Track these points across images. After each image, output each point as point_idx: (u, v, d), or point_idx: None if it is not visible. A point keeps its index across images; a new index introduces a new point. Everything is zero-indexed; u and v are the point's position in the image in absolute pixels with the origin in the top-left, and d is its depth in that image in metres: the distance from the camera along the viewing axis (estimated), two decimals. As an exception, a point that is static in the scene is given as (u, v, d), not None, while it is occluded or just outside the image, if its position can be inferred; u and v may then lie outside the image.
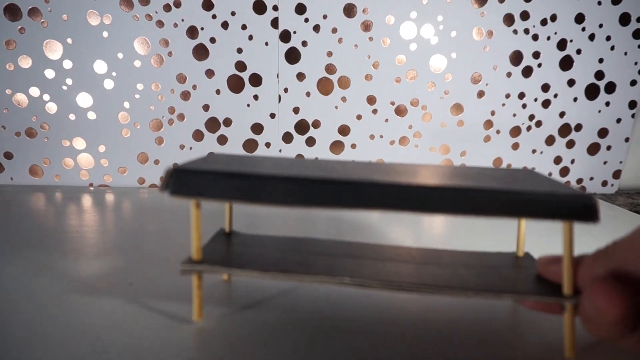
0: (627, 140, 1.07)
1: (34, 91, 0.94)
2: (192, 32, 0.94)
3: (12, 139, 0.96)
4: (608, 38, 1.00)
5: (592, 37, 0.99)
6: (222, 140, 1.00)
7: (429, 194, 0.40)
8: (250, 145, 1.00)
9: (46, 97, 0.94)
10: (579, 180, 1.09)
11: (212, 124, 0.99)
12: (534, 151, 1.05)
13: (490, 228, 0.78)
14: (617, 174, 1.09)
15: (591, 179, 1.09)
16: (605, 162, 1.08)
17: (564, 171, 1.07)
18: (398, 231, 0.76)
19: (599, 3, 0.97)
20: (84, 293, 0.52)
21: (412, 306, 0.51)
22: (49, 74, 0.93)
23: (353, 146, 1.02)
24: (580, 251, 0.68)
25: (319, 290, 0.53)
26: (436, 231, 0.77)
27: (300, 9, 0.94)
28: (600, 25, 0.99)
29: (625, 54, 1.01)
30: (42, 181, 0.99)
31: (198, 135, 0.99)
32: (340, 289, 0.53)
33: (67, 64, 0.93)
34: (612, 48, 1.00)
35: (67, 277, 0.55)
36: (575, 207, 0.40)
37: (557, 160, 1.07)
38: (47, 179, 0.99)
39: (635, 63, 1.01)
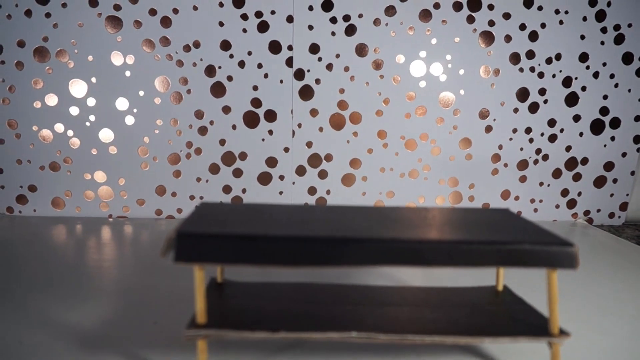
0: (632, 173, 1.09)
1: (59, 127, 0.98)
2: (210, 70, 0.98)
3: (37, 172, 1.00)
4: (612, 76, 1.03)
5: (596, 75, 1.03)
6: (238, 173, 1.03)
7: (429, 249, 0.43)
8: (264, 178, 1.04)
9: (70, 132, 0.98)
10: (586, 212, 1.11)
11: (228, 158, 1.02)
12: (541, 184, 1.08)
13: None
14: (623, 206, 1.11)
15: (598, 210, 1.11)
16: (611, 195, 1.10)
17: (571, 203, 1.10)
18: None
19: (602, 43, 1.01)
20: (95, 349, 0.54)
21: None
22: (74, 111, 0.98)
23: (364, 179, 1.05)
24: (571, 289, 0.69)
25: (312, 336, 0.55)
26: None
27: (314, 49, 0.98)
28: (604, 64, 1.02)
29: (629, 90, 1.04)
30: (64, 213, 1.02)
31: (214, 169, 1.02)
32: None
33: (91, 102, 0.97)
34: (616, 85, 1.03)
35: (79, 325, 0.58)
36: (558, 256, 0.43)
37: (564, 192, 1.09)
38: (69, 211, 1.02)
39: (639, 99, 1.04)
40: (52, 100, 0.97)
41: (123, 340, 0.52)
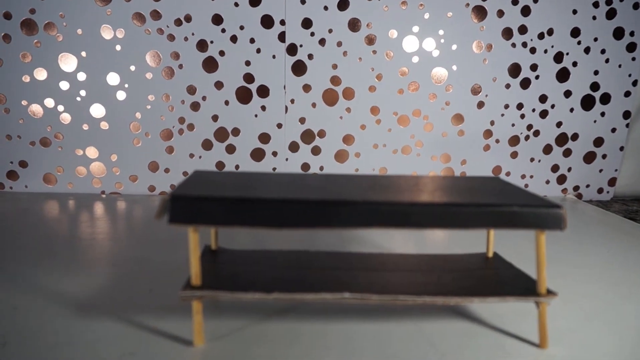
0: (621, 149, 1.10)
1: (49, 102, 0.97)
2: (202, 45, 0.97)
3: (27, 148, 0.99)
4: (603, 51, 1.03)
5: (587, 50, 1.03)
6: (231, 149, 1.03)
7: (420, 212, 0.43)
8: (257, 154, 1.04)
9: (60, 107, 0.97)
10: (576, 188, 1.12)
11: (221, 134, 1.02)
12: (532, 160, 1.09)
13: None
14: (612, 182, 1.13)
15: (587, 186, 1.13)
16: (600, 170, 1.12)
17: (561, 179, 1.11)
18: (382, 234, 0.79)
19: (594, 18, 1.01)
20: (90, 315, 0.54)
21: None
22: (64, 85, 0.96)
23: (357, 155, 1.05)
24: (559, 258, 0.71)
25: (304, 301, 0.56)
26: (416, 232, 0.80)
27: (307, 24, 0.98)
28: (595, 39, 1.02)
29: (620, 66, 1.04)
30: (56, 189, 1.02)
31: (207, 145, 1.02)
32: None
33: (81, 76, 0.96)
34: (607, 61, 1.04)
35: (74, 293, 0.58)
36: (546, 217, 0.44)
37: (555, 168, 1.10)
38: (61, 187, 1.02)
39: (629, 75, 1.05)
40: (41, 74, 0.96)
41: (118, 306, 0.53)
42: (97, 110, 0.98)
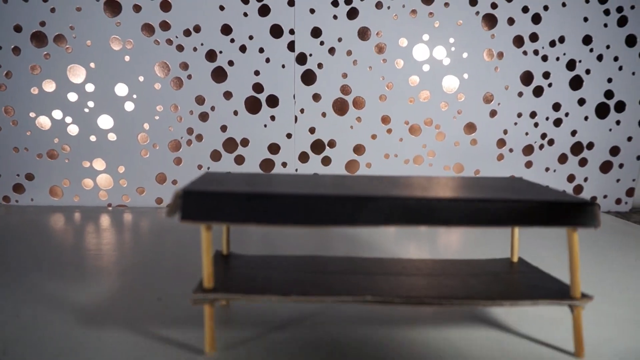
0: (638, 158, 1.08)
1: (57, 114, 0.96)
2: (211, 55, 0.97)
3: (34, 160, 0.98)
4: (616, 58, 1.02)
5: (600, 57, 1.02)
6: (240, 160, 1.01)
7: (447, 208, 0.41)
8: (267, 164, 1.02)
9: (68, 119, 0.97)
10: (593, 199, 1.09)
11: (230, 144, 1.01)
12: (547, 169, 1.06)
13: (475, 237, 0.78)
14: (630, 192, 1.10)
15: (605, 197, 1.10)
16: (618, 180, 1.09)
17: (578, 189, 1.08)
18: (394, 242, 0.76)
19: (605, 25, 1.00)
20: (96, 323, 0.52)
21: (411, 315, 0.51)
22: (72, 97, 0.96)
23: (368, 165, 1.03)
24: (584, 267, 0.68)
25: (319, 311, 0.53)
26: (430, 241, 0.77)
27: (316, 33, 0.97)
28: (608, 47, 1.01)
29: (633, 73, 1.03)
30: (62, 202, 1.00)
31: (216, 156, 1.01)
32: (340, 307, 0.53)
33: (90, 87, 0.96)
34: (620, 68, 1.03)
35: (80, 302, 0.56)
36: (578, 214, 0.41)
37: (570, 178, 1.07)
38: (67, 200, 1.00)
39: (644, 82, 1.03)
40: (49, 86, 0.95)
41: (125, 315, 0.50)
42: (105, 122, 0.97)
